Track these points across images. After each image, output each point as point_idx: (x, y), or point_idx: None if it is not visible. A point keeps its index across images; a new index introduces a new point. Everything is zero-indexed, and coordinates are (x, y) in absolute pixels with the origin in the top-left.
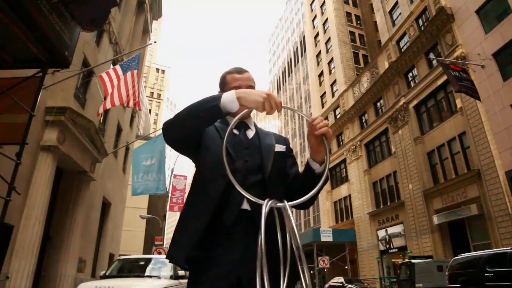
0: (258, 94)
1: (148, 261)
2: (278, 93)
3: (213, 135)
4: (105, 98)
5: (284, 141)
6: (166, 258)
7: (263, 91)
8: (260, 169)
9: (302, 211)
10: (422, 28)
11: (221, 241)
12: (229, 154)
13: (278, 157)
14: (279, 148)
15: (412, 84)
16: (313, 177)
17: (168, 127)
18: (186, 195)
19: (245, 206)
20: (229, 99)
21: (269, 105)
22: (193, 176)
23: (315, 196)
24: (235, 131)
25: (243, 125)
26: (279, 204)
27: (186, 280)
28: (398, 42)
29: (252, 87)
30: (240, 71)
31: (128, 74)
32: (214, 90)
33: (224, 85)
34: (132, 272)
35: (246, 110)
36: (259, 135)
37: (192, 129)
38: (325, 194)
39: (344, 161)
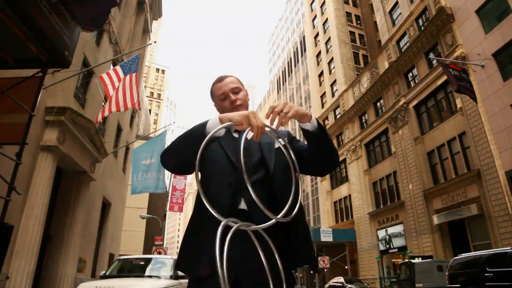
0: (239, 113)
1: (148, 261)
2: (278, 93)
3: (215, 147)
4: (106, 100)
5: (285, 135)
6: (178, 269)
7: (245, 112)
8: (260, 168)
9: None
10: (422, 28)
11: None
12: (231, 162)
13: (281, 152)
14: (281, 142)
15: (412, 84)
16: (312, 138)
17: (165, 156)
18: (186, 195)
19: (242, 206)
20: (213, 124)
21: (254, 119)
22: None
23: (327, 153)
24: (236, 135)
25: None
26: (243, 227)
27: (186, 280)
28: (398, 42)
29: (239, 88)
30: (221, 79)
31: (127, 77)
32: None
33: (213, 97)
34: (132, 272)
35: (231, 123)
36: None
37: (187, 156)
38: (325, 194)
39: (344, 161)
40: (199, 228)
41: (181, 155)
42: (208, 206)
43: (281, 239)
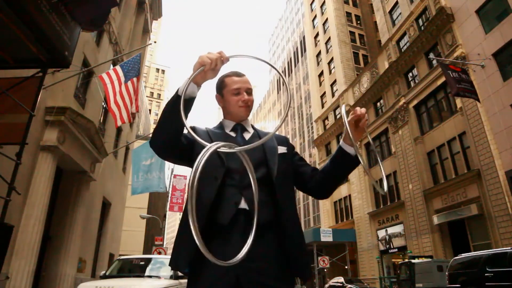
0: (196, 62)
1: (148, 261)
2: (278, 93)
3: (206, 141)
4: (105, 100)
5: (284, 141)
6: (169, 265)
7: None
8: (261, 167)
9: (302, 211)
10: (422, 28)
11: (219, 242)
12: (220, 157)
13: (282, 159)
14: (281, 150)
15: (412, 84)
16: (349, 161)
17: (153, 135)
18: (186, 196)
19: (243, 205)
20: (183, 82)
21: (210, 55)
22: None
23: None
24: (232, 134)
25: (240, 127)
26: (226, 149)
27: (186, 280)
28: (398, 42)
29: (252, 90)
30: (238, 74)
31: (134, 80)
32: (214, 90)
33: (223, 88)
34: (132, 272)
35: (200, 71)
36: (260, 135)
37: (172, 128)
38: None
39: None
40: (183, 228)
41: (166, 127)
42: (196, 137)
43: (277, 243)
